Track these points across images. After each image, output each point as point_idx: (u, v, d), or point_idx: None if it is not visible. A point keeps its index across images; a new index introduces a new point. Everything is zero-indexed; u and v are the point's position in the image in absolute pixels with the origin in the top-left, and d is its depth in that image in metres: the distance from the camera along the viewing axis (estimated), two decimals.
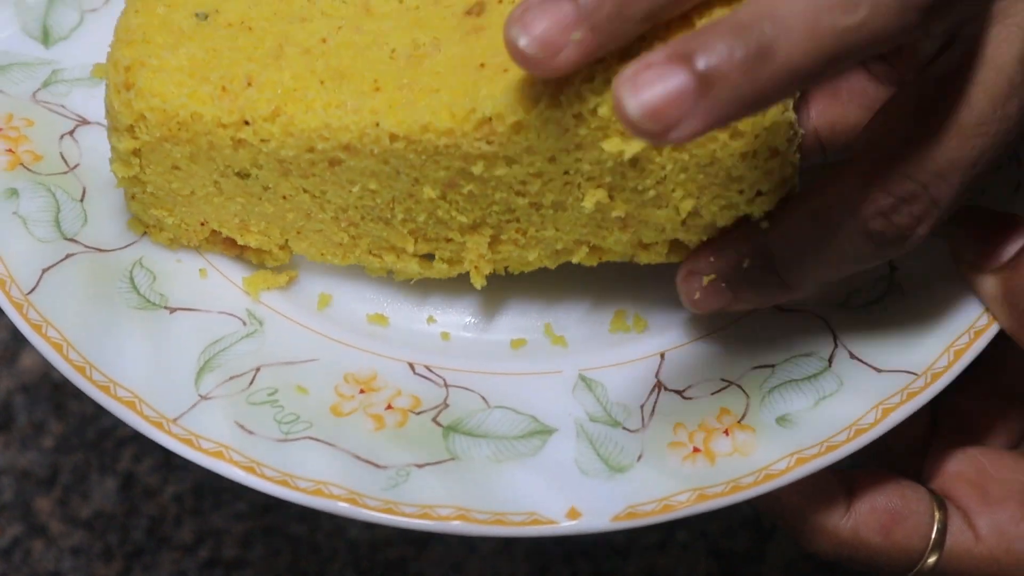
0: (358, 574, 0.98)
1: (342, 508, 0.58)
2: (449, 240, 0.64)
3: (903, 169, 0.54)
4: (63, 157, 0.68)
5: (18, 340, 1.04)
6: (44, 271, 0.64)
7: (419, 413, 0.62)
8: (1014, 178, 0.68)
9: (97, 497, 1.02)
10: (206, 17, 0.62)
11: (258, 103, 0.60)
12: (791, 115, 0.59)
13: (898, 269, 0.66)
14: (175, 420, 0.60)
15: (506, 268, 0.65)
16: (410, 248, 0.64)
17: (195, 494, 1.02)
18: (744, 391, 0.63)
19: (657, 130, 0.47)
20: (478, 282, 0.64)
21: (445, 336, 0.66)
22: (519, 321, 0.67)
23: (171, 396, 0.61)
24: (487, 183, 0.60)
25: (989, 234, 0.64)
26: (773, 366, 0.64)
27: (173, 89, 0.60)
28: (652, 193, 0.60)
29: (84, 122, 0.69)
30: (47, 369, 1.03)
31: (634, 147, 0.56)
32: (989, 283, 0.64)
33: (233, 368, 0.63)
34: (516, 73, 0.58)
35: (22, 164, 0.67)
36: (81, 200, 0.67)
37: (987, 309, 0.64)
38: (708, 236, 0.62)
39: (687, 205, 0.60)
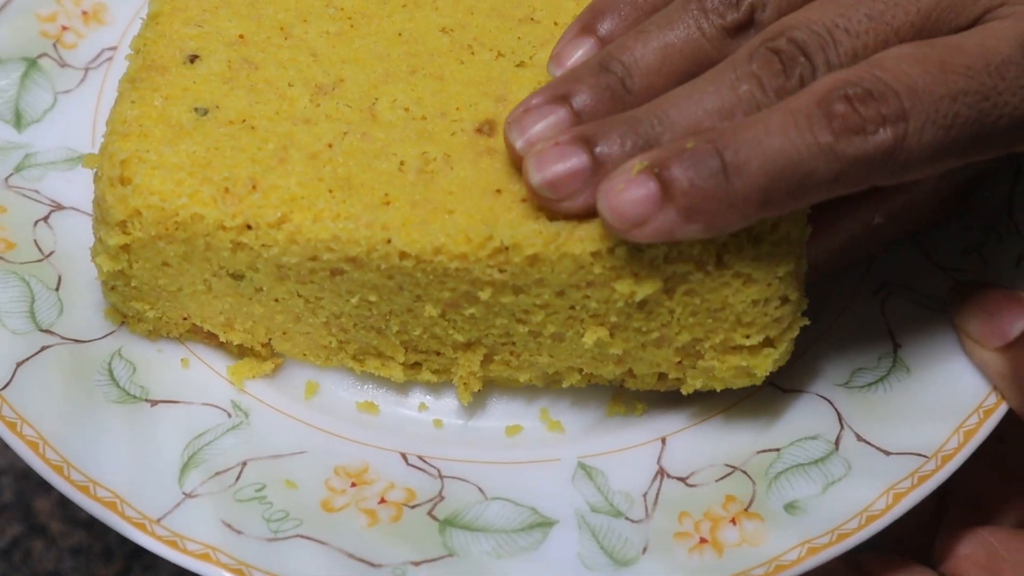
0: None
1: None
2: (440, 354, 0.62)
3: (881, 71, 0.53)
4: (37, 244, 0.65)
5: None
6: (18, 365, 0.61)
7: (414, 507, 0.60)
8: (1016, 251, 0.66)
9: None
10: (206, 112, 0.60)
11: (264, 209, 0.57)
12: (804, 264, 0.59)
13: (902, 346, 0.64)
14: (158, 521, 0.57)
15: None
16: (399, 358, 0.62)
17: None
18: (750, 477, 0.61)
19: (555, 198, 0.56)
20: (465, 399, 0.63)
21: (438, 424, 0.64)
22: (513, 406, 0.64)
23: (154, 495, 0.58)
24: (491, 308, 0.59)
25: (995, 310, 0.63)
26: (778, 450, 0.62)
27: (173, 187, 0.58)
28: (655, 335, 0.59)
29: (59, 207, 0.67)
30: None
31: (645, 290, 0.57)
32: (996, 361, 0.62)
33: (218, 463, 0.60)
34: (533, 205, 0.57)
35: None
36: (56, 289, 0.64)
37: (994, 388, 0.62)
38: (704, 381, 0.61)
39: (685, 339, 0.59)
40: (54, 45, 0.72)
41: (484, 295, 0.58)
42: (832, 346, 0.65)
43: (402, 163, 0.59)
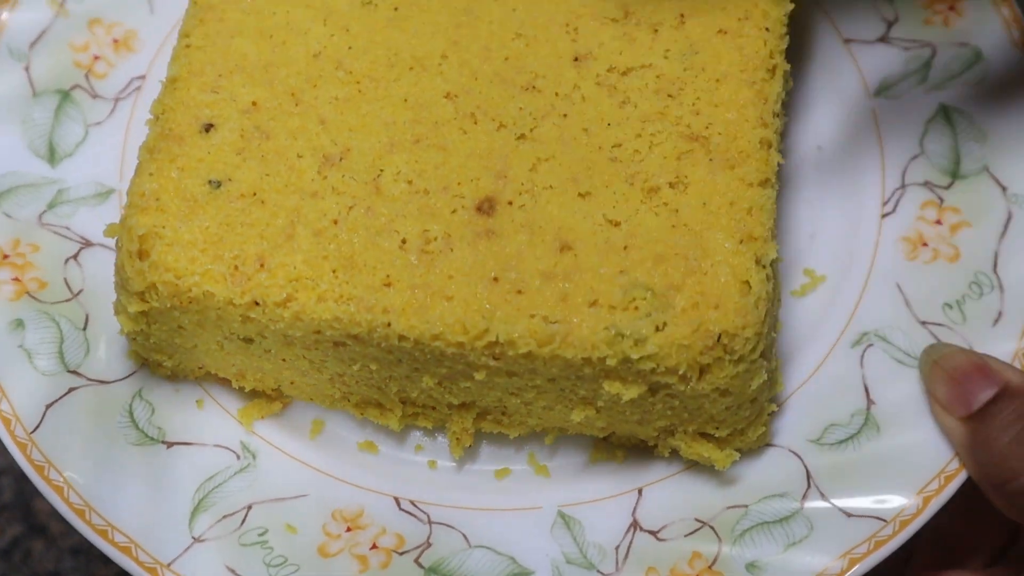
0: None
1: None
2: (435, 409, 0.67)
3: None
4: (67, 283, 0.71)
5: None
6: (47, 407, 0.67)
7: (403, 553, 0.65)
8: (995, 310, 0.69)
9: None
10: (219, 185, 0.64)
11: (270, 288, 0.61)
12: (780, 326, 0.64)
13: (875, 403, 0.68)
14: (168, 565, 0.63)
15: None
16: (397, 412, 0.67)
17: None
18: (717, 533, 0.65)
19: None
20: (457, 453, 0.67)
21: (432, 464, 0.69)
22: (503, 451, 0.69)
23: (166, 539, 0.64)
24: (485, 384, 0.63)
25: (962, 379, 0.65)
26: (747, 507, 0.66)
27: (186, 265, 0.62)
28: (637, 417, 0.64)
29: (88, 244, 0.72)
30: None
31: (631, 393, 0.61)
32: (958, 430, 0.65)
33: (226, 506, 0.66)
34: (529, 299, 0.61)
35: (28, 293, 0.70)
36: (84, 328, 0.69)
37: (956, 454, 0.65)
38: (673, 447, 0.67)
39: (662, 423, 0.64)
40: (86, 76, 0.76)
41: (479, 376, 0.62)
42: (809, 398, 0.69)
43: (404, 241, 0.63)
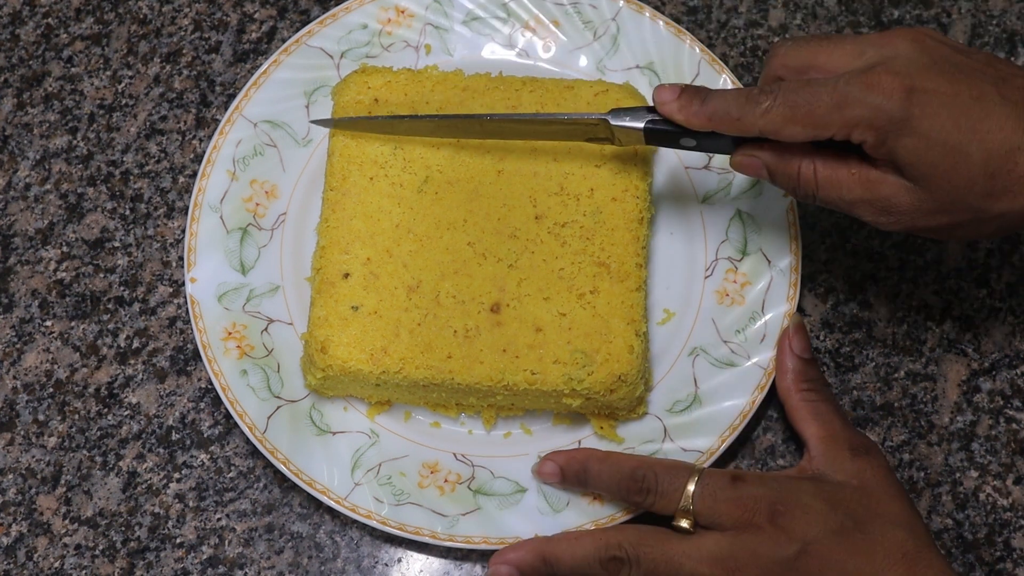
0: (359, 572, 1.11)
1: (429, 540, 1.23)
2: (473, 406, 1.26)
3: None
4: (264, 345, 1.27)
5: (22, 339, 1.12)
6: (268, 418, 1.25)
7: (461, 483, 1.26)
8: (761, 332, 1.29)
9: (100, 495, 1.05)
10: (357, 308, 1.19)
11: (390, 364, 1.17)
12: (642, 387, 1.20)
13: (699, 388, 1.27)
14: (345, 498, 1.23)
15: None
16: (454, 408, 1.26)
17: (198, 492, 1.09)
18: None
19: None
20: (487, 426, 1.27)
21: (470, 432, 1.28)
22: (509, 422, 1.28)
23: (341, 485, 1.22)
24: (501, 399, 1.20)
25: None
26: (634, 447, 1.27)
27: (346, 354, 1.17)
28: (579, 408, 1.21)
29: (271, 321, 1.28)
30: (50, 368, 1.12)
31: (577, 401, 1.16)
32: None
33: (368, 465, 1.24)
34: (522, 360, 1.17)
35: (246, 354, 1.27)
36: (278, 371, 1.27)
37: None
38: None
39: (591, 410, 1.22)
40: (253, 216, 1.27)
41: (499, 396, 1.21)
42: (664, 387, 1.18)
43: (455, 332, 1.20)
